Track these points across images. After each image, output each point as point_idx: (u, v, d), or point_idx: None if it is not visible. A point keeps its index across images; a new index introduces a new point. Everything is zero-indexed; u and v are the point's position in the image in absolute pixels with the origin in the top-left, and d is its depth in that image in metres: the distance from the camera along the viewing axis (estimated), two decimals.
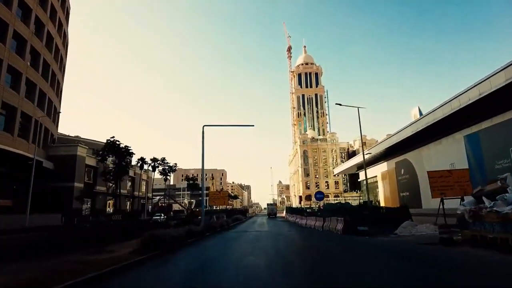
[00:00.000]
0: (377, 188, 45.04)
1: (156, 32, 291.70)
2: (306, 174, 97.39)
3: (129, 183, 47.69)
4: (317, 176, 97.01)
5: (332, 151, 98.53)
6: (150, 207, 51.21)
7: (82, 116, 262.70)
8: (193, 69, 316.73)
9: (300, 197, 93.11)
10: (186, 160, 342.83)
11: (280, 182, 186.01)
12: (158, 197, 56.54)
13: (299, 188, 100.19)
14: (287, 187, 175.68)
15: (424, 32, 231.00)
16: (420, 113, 50.89)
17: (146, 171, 50.68)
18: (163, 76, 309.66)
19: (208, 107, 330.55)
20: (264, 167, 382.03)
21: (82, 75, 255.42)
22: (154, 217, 37.10)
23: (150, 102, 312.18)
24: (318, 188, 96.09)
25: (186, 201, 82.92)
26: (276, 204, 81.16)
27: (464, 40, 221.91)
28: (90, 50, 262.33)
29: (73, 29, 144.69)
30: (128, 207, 46.86)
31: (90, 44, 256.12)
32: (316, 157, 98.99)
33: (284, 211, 69.07)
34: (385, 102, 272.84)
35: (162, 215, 40.58)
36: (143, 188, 51.65)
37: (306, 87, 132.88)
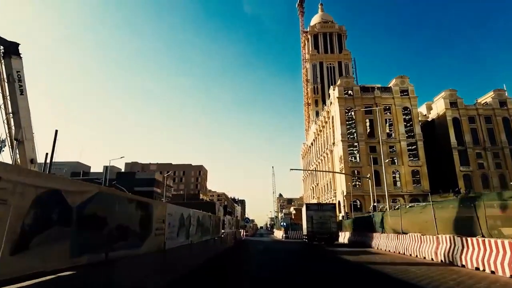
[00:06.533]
0: None
1: None
2: (353, 158, 54.30)
3: None
4: (377, 161, 53.76)
5: (403, 110, 55.94)
6: None
7: None
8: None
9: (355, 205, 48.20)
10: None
11: (280, 195, 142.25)
12: None
13: (336, 187, 57.07)
14: (289, 201, 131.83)
15: None
16: None
17: None
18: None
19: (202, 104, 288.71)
20: (261, 179, 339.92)
21: None
22: None
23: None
24: (381, 185, 53.35)
25: None
26: (335, 206, 29.04)
27: None
28: None
29: None
30: None
31: None
32: (370, 124, 56.15)
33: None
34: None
35: None
36: None
37: (326, 52, 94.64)
